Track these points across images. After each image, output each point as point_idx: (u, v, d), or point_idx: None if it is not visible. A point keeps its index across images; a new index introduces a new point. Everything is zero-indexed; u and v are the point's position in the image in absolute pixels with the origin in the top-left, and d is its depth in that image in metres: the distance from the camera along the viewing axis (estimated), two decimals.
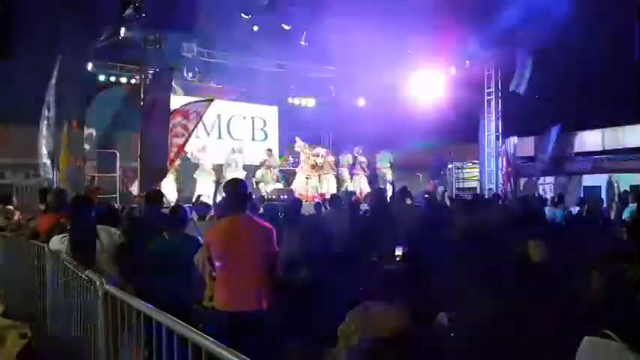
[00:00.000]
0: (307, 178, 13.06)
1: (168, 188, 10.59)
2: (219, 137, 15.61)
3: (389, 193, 11.91)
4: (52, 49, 10.63)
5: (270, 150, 14.03)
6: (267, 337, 3.13)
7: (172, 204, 6.37)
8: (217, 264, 3.15)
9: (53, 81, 10.31)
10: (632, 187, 10.35)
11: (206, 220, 5.91)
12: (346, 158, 14.37)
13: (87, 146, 11.00)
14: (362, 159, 14.04)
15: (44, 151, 9.79)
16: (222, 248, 3.13)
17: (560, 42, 12.06)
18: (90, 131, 10.94)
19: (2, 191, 10.59)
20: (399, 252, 5.15)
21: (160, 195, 5.76)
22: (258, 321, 3.06)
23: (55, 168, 9.87)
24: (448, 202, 9.23)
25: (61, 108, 10.80)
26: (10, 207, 8.02)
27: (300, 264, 3.84)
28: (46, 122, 9.93)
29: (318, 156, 13.62)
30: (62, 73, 10.26)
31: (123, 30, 11.00)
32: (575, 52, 12.18)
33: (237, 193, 3.30)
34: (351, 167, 14.25)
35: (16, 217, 6.98)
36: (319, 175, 13.42)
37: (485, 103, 12.94)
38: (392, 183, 13.53)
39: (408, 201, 8.77)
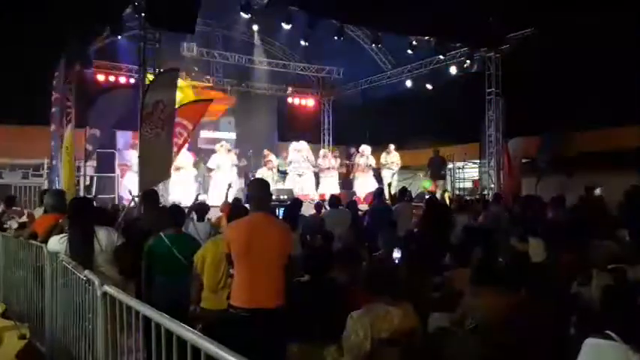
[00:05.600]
0: (300, 175, 13.05)
1: (188, 188, 10.64)
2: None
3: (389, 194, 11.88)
4: (53, 49, 10.61)
5: (269, 150, 14.01)
6: (284, 334, 3.17)
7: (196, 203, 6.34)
8: (238, 261, 3.14)
9: (55, 82, 10.31)
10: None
11: (205, 220, 5.90)
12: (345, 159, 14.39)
13: (89, 147, 11.00)
14: (363, 160, 14.00)
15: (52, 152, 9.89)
16: (244, 245, 3.13)
17: (560, 42, 12.06)
18: (92, 132, 10.94)
19: (2, 192, 10.55)
20: (397, 254, 5.14)
21: (157, 195, 5.75)
22: (278, 318, 3.09)
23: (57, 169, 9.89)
24: (448, 203, 9.20)
25: (64, 109, 10.80)
26: (18, 208, 7.94)
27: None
28: (52, 123, 10.00)
29: (322, 157, 13.63)
30: (64, 73, 10.26)
31: (122, 29, 11.01)
32: (576, 51, 12.17)
33: (266, 193, 3.37)
34: (352, 168, 14.23)
35: (24, 219, 6.90)
36: (318, 176, 13.41)
37: (486, 102, 12.91)
38: (391, 183, 13.48)
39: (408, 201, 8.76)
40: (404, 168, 14.46)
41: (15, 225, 6.27)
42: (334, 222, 7.06)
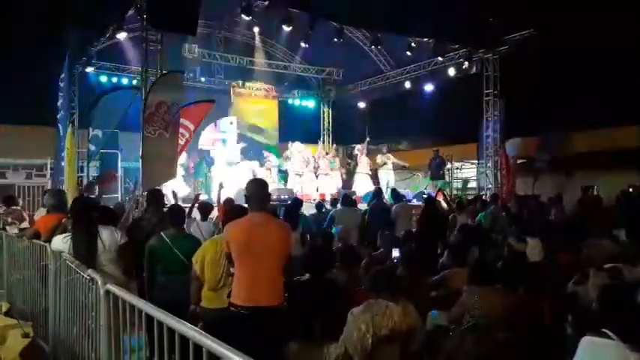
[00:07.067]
0: (300, 175, 13.07)
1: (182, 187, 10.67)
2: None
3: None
4: (54, 50, 10.66)
5: (269, 150, 14.05)
6: (284, 332, 3.20)
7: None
8: (238, 260, 3.17)
9: (61, 84, 10.37)
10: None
11: (208, 220, 5.93)
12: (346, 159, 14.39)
13: (92, 147, 11.04)
14: (363, 159, 14.03)
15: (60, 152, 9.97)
16: (244, 245, 3.15)
17: (559, 42, 12.10)
18: (95, 132, 10.98)
19: (3, 192, 10.59)
20: (395, 253, 5.17)
21: (160, 195, 5.78)
22: (278, 317, 3.11)
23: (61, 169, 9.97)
24: (444, 204, 9.17)
25: (67, 110, 10.86)
26: (17, 207, 7.93)
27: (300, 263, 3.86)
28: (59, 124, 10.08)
29: (321, 157, 13.66)
30: (67, 74, 10.32)
31: (124, 31, 11.03)
32: (574, 52, 12.21)
33: (264, 192, 3.37)
34: (354, 166, 14.25)
35: (25, 224, 6.89)
36: (317, 175, 13.44)
37: (485, 103, 12.94)
38: (390, 183, 13.52)
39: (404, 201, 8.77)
40: (403, 168, 14.49)
41: (15, 230, 6.24)
42: (344, 220, 7.09)
